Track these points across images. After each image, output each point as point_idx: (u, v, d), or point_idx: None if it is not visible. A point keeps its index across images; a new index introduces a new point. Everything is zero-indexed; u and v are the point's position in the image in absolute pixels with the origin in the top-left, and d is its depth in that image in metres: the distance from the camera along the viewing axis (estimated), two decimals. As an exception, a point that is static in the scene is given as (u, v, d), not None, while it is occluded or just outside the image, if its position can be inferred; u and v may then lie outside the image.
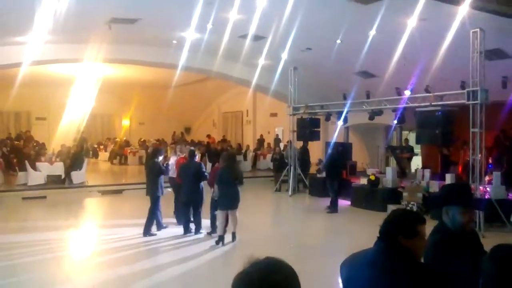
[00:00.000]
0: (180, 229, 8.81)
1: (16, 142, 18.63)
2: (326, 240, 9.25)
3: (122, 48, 14.34)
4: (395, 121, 12.88)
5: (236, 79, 17.64)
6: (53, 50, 13.75)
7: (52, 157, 15.49)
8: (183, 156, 9.70)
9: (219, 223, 8.01)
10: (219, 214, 7.99)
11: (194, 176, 8.41)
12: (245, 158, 20.24)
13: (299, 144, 15.34)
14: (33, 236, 8.59)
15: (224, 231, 7.99)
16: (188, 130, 29.56)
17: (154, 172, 8.50)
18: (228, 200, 7.88)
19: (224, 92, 25.89)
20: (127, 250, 7.73)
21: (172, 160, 9.77)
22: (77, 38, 13.00)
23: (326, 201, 11.68)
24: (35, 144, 18.96)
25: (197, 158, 9.49)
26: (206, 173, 8.73)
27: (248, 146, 21.97)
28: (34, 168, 14.10)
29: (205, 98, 26.89)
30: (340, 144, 14.53)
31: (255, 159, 20.75)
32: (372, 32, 10.84)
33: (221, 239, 7.89)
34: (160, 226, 8.82)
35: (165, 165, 8.85)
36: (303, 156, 15.26)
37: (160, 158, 8.67)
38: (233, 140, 25.02)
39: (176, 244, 8.13)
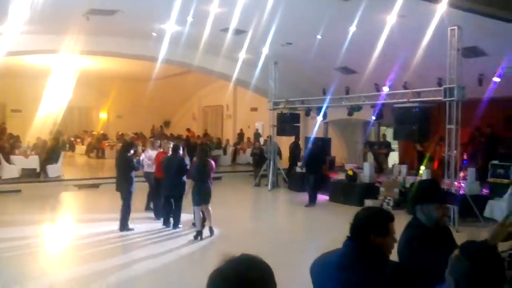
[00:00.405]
0: (157, 224, 8.78)
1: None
2: (304, 234, 9.32)
3: (100, 39, 14.08)
4: (373, 117, 13.02)
5: (217, 73, 17.56)
6: (29, 41, 13.42)
7: (27, 150, 15.15)
8: (162, 151, 9.60)
9: (196, 218, 8.03)
10: (196, 209, 8.01)
11: (177, 170, 8.40)
12: (224, 152, 20.20)
13: (279, 139, 15.38)
14: (8, 231, 8.40)
15: (203, 226, 7.99)
16: (167, 123, 29.30)
17: (127, 166, 8.39)
18: (202, 196, 7.90)
19: (205, 86, 25.75)
20: (105, 245, 7.63)
21: (152, 154, 9.68)
22: (54, 29, 12.72)
23: (305, 196, 11.76)
24: (9, 136, 18.50)
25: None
26: (188, 168, 8.70)
27: (228, 141, 21.92)
28: (8, 161, 13.77)
29: (185, 91, 26.69)
30: (320, 139, 14.64)
31: (235, 153, 20.73)
32: (352, 28, 10.91)
33: (199, 234, 7.90)
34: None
35: (136, 160, 8.75)
36: (294, 151, 15.27)
37: (132, 152, 8.55)
38: (213, 134, 24.90)
39: (154, 239, 8.09)
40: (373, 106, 12.58)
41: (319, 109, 13.79)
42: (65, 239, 8.36)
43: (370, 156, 16.48)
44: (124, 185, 8.35)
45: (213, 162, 8.47)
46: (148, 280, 6.18)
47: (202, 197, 7.93)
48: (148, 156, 9.79)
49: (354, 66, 14.07)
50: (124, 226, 8.36)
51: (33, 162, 14.32)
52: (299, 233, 9.41)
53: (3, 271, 6.23)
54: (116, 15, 11.35)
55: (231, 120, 25.65)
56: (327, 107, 13.53)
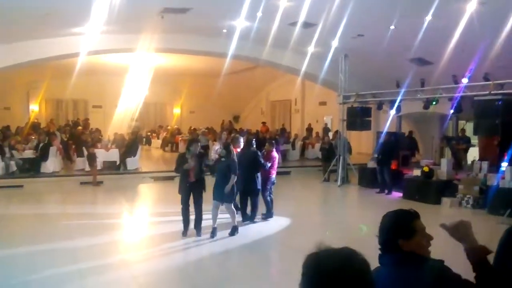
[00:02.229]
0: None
1: (79, 128, 19.49)
2: (374, 232, 8.99)
3: (173, 37, 14.59)
4: (452, 111, 12.29)
5: (285, 67, 17.51)
6: (108, 40, 14.22)
7: (108, 144, 16.13)
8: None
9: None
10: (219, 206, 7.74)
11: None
12: (293, 147, 20.16)
13: (349, 134, 15.04)
14: (90, 219, 9.02)
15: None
16: (236, 118, 29.79)
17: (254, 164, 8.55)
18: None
19: (273, 80, 25.82)
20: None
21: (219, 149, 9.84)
22: (131, 28, 13.35)
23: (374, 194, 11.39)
24: (92, 131, 19.78)
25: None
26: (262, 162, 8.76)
27: (296, 135, 21.84)
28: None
29: (254, 86, 26.94)
30: (392, 134, 14.11)
31: (303, 148, 20.60)
32: (428, 18, 10.36)
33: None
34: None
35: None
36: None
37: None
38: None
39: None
40: (450, 99, 11.89)
41: (392, 102, 13.27)
42: (147, 230, 8.77)
43: (448, 152, 15.63)
44: (251, 184, 8.47)
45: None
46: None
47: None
48: (215, 151, 9.95)
49: (429, 57, 13.38)
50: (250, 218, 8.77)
51: (114, 155, 15.23)
52: (369, 231, 9.12)
53: (87, 263, 6.55)
54: (188, 13, 11.67)
55: (299, 114, 25.52)
56: (401, 100, 12.99)
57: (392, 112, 13.71)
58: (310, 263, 1.36)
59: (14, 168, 13.79)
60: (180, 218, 7.64)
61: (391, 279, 1.97)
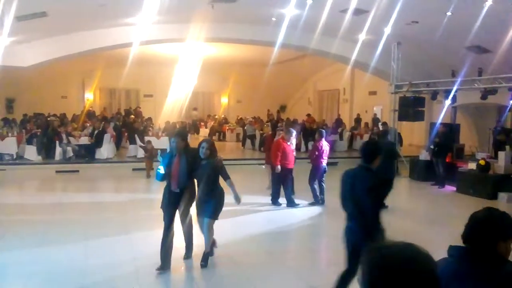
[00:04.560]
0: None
1: (131, 116, 20.14)
2: (425, 226, 8.67)
3: (222, 26, 14.66)
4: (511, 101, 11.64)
5: (334, 56, 17.17)
6: (159, 31, 14.51)
7: (159, 132, 16.52)
8: (281, 137, 9.64)
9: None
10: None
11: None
12: (341, 137, 19.84)
13: (400, 125, 14.58)
14: (140, 202, 9.30)
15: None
16: (283, 108, 29.66)
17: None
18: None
19: (321, 69, 25.45)
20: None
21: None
22: (181, 18, 13.54)
23: (428, 186, 11.01)
24: (143, 119, 20.37)
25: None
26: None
27: (344, 125, 21.47)
28: (143, 141, 15.17)
29: (301, 76, 26.68)
30: (447, 125, 13.55)
31: (352, 139, 20.22)
32: (488, 3, 9.79)
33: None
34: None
35: None
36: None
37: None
38: (328, 119, 24.60)
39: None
40: (511, 89, 11.25)
41: (447, 92, 12.72)
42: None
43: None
44: None
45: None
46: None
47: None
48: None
49: (488, 44, 12.69)
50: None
51: (164, 143, 15.59)
52: (421, 225, 8.80)
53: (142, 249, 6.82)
54: (238, 2, 11.68)
55: (348, 104, 25.03)
56: (457, 90, 12.42)
57: (447, 102, 13.16)
58: (372, 258, 1.32)
59: (70, 154, 14.45)
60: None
61: (462, 273, 1.89)
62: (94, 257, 6.03)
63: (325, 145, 9.21)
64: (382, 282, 1.27)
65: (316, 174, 9.22)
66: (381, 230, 3.93)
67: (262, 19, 13.78)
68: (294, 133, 9.33)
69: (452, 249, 1.95)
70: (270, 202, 9.31)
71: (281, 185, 9.18)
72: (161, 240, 5.39)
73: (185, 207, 5.49)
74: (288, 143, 9.11)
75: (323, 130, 9.86)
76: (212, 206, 5.48)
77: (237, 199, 5.60)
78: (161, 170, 5.34)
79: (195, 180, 5.54)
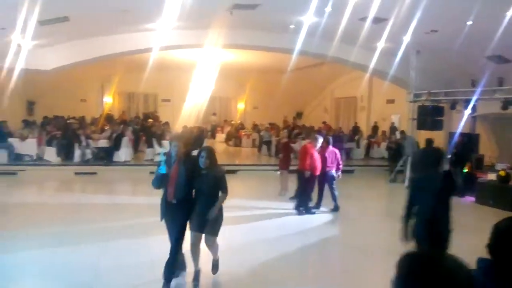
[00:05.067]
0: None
1: (149, 120, 20.35)
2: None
3: (240, 33, 14.74)
4: (534, 112, 11.44)
5: (353, 64, 17.09)
6: (178, 36, 14.65)
7: (176, 136, 16.61)
8: (309, 142, 9.64)
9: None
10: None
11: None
12: (358, 145, 19.72)
13: (418, 134, 14.43)
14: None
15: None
16: (300, 115, 29.62)
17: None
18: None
19: (338, 77, 25.35)
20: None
21: (297, 146, 9.98)
22: (200, 24, 13.65)
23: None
24: (161, 123, 20.56)
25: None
26: None
27: (361, 133, 21.33)
28: (160, 145, 15.31)
29: (318, 83, 26.61)
30: (466, 134, 13.37)
31: (369, 147, 20.09)
32: (510, 13, 9.67)
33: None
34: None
35: None
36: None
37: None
38: (345, 127, 24.46)
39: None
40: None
41: (467, 102, 12.57)
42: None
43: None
44: None
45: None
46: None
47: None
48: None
49: (509, 54, 12.50)
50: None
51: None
52: None
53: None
54: (257, 9, 11.74)
55: (365, 112, 24.87)
56: (477, 99, 12.26)
57: (467, 112, 12.99)
58: (405, 263, 1.34)
59: (89, 156, 14.66)
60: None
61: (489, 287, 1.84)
62: (110, 259, 6.10)
63: (331, 152, 9.27)
64: (413, 286, 1.29)
65: (322, 181, 9.39)
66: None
67: (280, 26, 13.82)
68: (321, 139, 9.32)
69: (479, 262, 1.92)
70: (295, 211, 9.27)
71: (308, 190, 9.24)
72: (168, 259, 4.97)
73: (180, 220, 5.00)
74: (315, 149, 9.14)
75: (330, 137, 9.94)
76: (213, 221, 5.06)
77: (211, 213, 5.00)
78: (163, 170, 4.92)
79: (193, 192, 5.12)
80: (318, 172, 9.13)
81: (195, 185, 5.06)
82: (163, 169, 4.89)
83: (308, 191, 9.24)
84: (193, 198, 5.10)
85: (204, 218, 5.01)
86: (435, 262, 1.30)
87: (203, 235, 5.13)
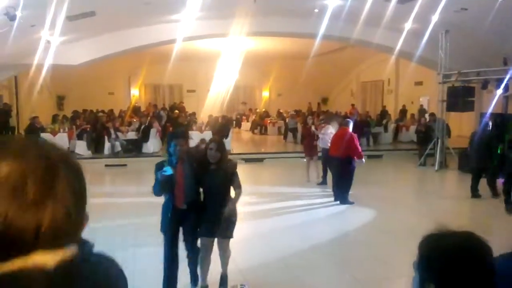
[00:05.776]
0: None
1: (176, 111, 20.56)
2: (472, 227, 8.25)
3: (264, 20, 14.66)
4: None
5: (377, 46, 16.78)
6: (202, 26, 14.69)
7: (202, 126, 16.79)
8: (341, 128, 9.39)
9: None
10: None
11: None
12: (385, 129, 19.43)
13: (448, 115, 14.11)
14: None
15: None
16: (325, 100, 29.35)
17: None
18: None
19: (363, 60, 24.96)
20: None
21: (332, 131, 9.75)
22: (224, 13, 13.64)
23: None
24: (187, 114, 20.75)
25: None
26: None
27: (389, 117, 20.98)
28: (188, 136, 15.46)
29: (343, 67, 26.28)
30: (498, 115, 12.98)
31: (397, 131, 19.77)
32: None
33: None
34: None
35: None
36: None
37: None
38: (372, 111, 24.09)
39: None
40: None
41: (499, 81, 12.18)
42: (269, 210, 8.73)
43: None
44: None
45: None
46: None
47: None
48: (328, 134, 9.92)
49: (544, 30, 12.03)
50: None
51: (207, 137, 15.83)
52: (467, 224, 8.33)
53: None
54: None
55: (393, 95, 24.45)
56: (509, 78, 11.86)
57: (499, 91, 12.60)
58: (428, 243, 1.34)
59: (118, 148, 14.96)
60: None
61: None
62: (143, 262, 5.66)
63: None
64: (436, 265, 1.29)
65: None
66: None
67: (304, 11, 13.66)
68: (351, 123, 9.06)
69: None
70: (335, 201, 8.86)
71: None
72: (164, 273, 4.42)
73: (191, 226, 4.46)
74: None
75: (348, 120, 9.53)
76: (226, 223, 4.46)
77: (228, 211, 4.41)
78: (169, 170, 4.22)
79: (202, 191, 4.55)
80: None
81: (202, 183, 4.46)
82: (169, 170, 4.20)
83: (352, 179, 8.86)
84: (201, 199, 4.53)
85: (217, 219, 4.37)
86: (457, 242, 1.29)
87: (215, 239, 4.55)
